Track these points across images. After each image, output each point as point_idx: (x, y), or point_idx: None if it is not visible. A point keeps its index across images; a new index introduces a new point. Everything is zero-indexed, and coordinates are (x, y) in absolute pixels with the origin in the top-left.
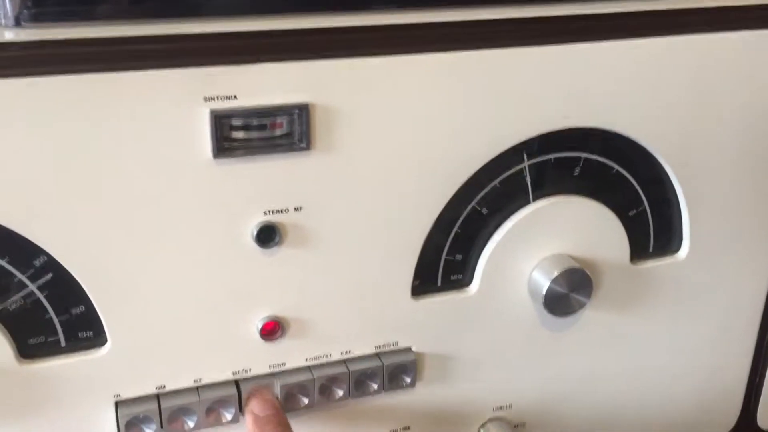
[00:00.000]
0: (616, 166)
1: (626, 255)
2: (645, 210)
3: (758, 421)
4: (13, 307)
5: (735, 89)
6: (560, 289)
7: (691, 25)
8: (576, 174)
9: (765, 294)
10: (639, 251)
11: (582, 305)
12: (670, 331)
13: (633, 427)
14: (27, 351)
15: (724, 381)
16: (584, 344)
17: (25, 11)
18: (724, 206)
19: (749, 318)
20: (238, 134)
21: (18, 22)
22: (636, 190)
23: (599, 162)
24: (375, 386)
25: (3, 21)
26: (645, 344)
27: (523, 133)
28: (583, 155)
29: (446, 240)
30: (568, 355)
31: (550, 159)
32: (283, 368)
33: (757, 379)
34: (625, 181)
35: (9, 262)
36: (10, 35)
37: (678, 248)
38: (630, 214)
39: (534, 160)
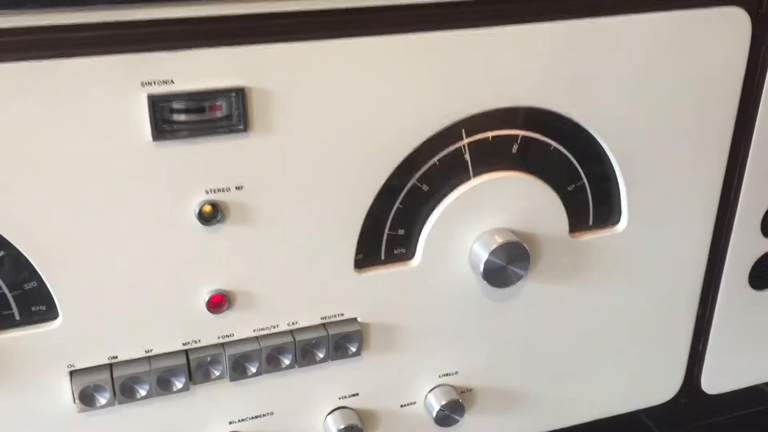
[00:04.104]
0: (554, 143)
1: (565, 228)
2: (584, 184)
3: (702, 386)
4: None
5: (669, 66)
6: (498, 262)
7: (625, 5)
8: (514, 151)
9: (705, 263)
10: (579, 224)
11: (520, 277)
12: (611, 301)
13: (578, 392)
14: None
15: (667, 348)
16: (528, 314)
17: None
18: (661, 180)
19: (690, 287)
20: (179, 117)
21: None
22: (574, 166)
23: (537, 139)
24: (321, 355)
25: None
26: (587, 313)
27: (459, 113)
28: (521, 133)
29: (388, 215)
30: (512, 324)
31: (488, 137)
32: (231, 339)
33: (700, 346)
34: (563, 157)
35: None
36: None
37: (617, 221)
38: (569, 188)
39: (472, 138)
